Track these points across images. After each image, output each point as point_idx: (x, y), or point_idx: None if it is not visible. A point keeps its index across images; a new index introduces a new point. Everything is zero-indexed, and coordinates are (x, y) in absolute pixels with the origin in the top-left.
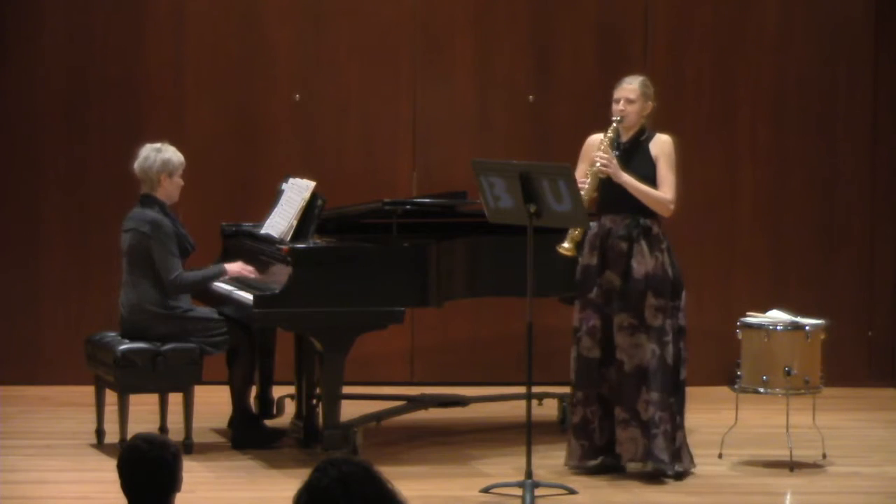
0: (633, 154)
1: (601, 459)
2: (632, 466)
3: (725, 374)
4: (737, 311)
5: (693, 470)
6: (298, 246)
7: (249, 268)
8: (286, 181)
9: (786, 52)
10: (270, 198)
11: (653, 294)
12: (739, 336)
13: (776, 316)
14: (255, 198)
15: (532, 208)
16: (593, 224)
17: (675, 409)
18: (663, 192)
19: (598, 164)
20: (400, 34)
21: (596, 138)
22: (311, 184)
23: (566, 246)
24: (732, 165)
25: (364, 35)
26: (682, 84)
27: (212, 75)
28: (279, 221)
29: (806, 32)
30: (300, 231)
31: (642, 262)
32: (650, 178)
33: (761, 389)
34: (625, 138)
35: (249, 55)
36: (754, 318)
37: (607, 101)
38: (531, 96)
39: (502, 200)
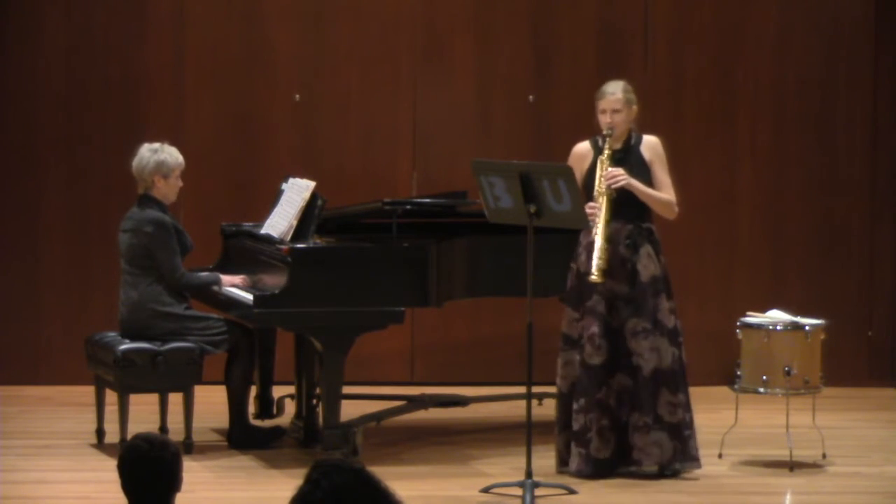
0: (628, 161)
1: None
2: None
3: (725, 374)
4: (737, 311)
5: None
6: (298, 246)
7: (244, 280)
8: (286, 181)
9: (786, 52)
10: (270, 198)
11: (666, 296)
12: (739, 336)
13: (776, 316)
14: (255, 198)
15: (532, 208)
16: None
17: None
18: (668, 195)
19: (604, 186)
20: (400, 34)
21: (582, 147)
22: (311, 184)
23: (594, 276)
24: (732, 165)
25: (364, 35)
26: (682, 84)
27: (212, 75)
28: (279, 221)
29: (806, 32)
30: (300, 231)
31: (648, 266)
32: (647, 183)
33: (761, 389)
34: (616, 146)
35: (249, 55)
36: (754, 318)
37: None
38: (531, 96)
39: (502, 200)
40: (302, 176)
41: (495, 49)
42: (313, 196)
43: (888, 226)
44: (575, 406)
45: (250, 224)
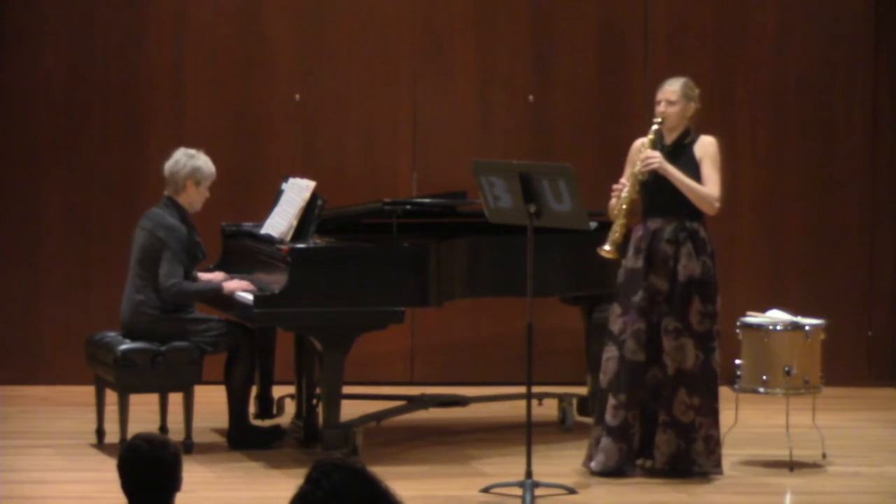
0: (677, 156)
1: (639, 465)
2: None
3: (725, 374)
4: (737, 311)
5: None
6: (298, 246)
7: (249, 286)
8: (286, 181)
9: (786, 52)
10: (270, 198)
11: (700, 299)
12: (739, 336)
13: (776, 316)
14: (255, 198)
15: (532, 208)
16: (639, 226)
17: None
18: (709, 189)
19: (638, 167)
20: (400, 34)
21: (640, 142)
22: (311, 184)
23: (607, 248)
24: (732, 165)
25: (364, 35)
26: None
27: (212, 75)
28: (279, 221)
29: (806, 32)
30: (300, 231)
31: (688, 266)
32: (694, 181)
33: (761, 389)
34: (668, 140)
35: (249, 55)
36: (754, 318)
37: (607, 100)
38: (531, 96)
39: (502, 200)
40: (302, 176)
41: (495, 49)
42: (313, 196)
43: (888, 226)
44: (614, 402)
45: (250, 224)
